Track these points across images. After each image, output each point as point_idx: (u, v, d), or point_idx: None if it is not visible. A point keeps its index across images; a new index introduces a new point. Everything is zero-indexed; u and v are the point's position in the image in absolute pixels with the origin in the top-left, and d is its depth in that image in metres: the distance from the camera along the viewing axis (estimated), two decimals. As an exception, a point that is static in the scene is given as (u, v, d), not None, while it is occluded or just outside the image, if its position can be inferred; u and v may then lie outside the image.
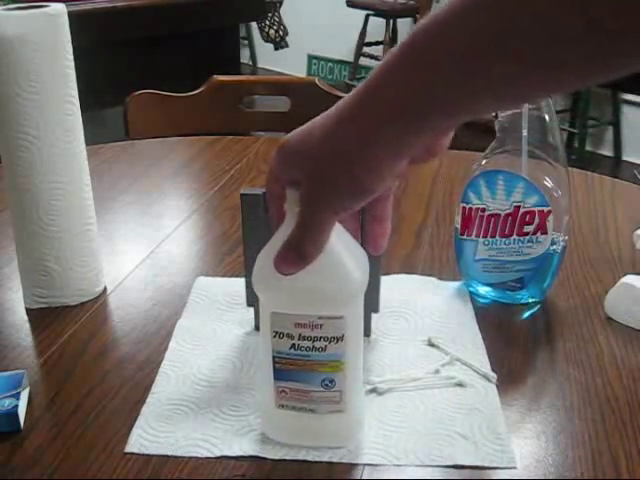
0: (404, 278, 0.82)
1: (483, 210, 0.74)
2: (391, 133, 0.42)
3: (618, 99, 3.76)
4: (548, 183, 0.72)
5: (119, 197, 1.05)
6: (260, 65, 5.53)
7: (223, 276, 0.83)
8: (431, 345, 0.70)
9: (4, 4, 0.75)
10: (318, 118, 0.46)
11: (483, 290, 0.78)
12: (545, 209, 0.72)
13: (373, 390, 0.63)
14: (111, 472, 0.54)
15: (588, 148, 3.77)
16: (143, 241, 0.93)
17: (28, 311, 0.76)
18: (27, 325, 0.74)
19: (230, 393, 0.63)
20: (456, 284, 0.80)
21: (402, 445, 0.57)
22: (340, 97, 0.45)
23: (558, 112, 3.68)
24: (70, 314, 0.75)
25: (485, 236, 0.75)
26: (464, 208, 0.76)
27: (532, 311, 0.76)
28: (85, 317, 0.75)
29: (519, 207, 0.72)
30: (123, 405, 0.62)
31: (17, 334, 0.72)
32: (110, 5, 2.10)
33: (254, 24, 4.80)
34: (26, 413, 0.60)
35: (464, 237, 0.77)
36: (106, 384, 0.64)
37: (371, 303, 0.66)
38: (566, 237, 0.75)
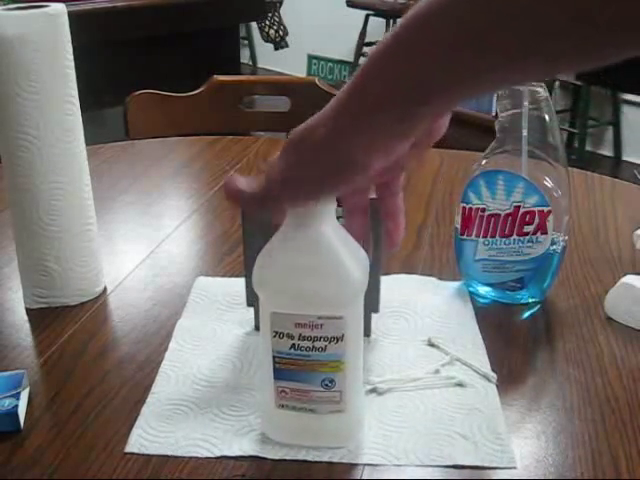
0: (404, 278, 0.82)
1: (483, 210, 0.74)
2: (381, 121, 0.42)
3: (618, 99, 3.76)
4: (548, 183, 0.72)
5: (119, 197, 1.05)
6: (260, 65, 5.53)
7: (223, 276, 0.83)
8: (431, 345, 0.70)
9: (4, 4, 0.75)
10: (317, 114, 0.46)
11: (483, 290, 0.78)
12: (545, 209, 0.72)
13: (373, 390, 0.63)
14: (111, 472, 0.54)
15: (588, 148, 3.77)
16: (143, 241, 0.93)
17: (28, 311, 0.76)
18: (27, 325, 0.74)
19: (230, 393, 0.63)
20: (456, 284, 0.80)
21: (402, 445, 0.57)
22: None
23: (558, 112, 3.68)
24: (70, 314, 0.75)
25: (485, 236, 0.75)
26: (464, 208, 0.76)
27: (532, 311, 0.76)
28: (85, 317, 0.75)
29: (519, 207, 0.72)
30: (123, 405, 0.62)
31: (17, 334, 0.72)
32: (110, 5, 2.10)
33: (254, 24, 4.80)
34: (26, 413, 0.60)
35: (464, 237, 0.77)
36: (106, 384, 0.64)
37: (371, 303, 0.66)
38: (566, 237, 0.75)
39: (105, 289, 0.80)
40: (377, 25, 4.47)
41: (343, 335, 0.52)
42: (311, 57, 5.21)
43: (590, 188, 1.08)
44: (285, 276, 0.51)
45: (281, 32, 4.37)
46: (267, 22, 4.32)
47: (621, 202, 1.03)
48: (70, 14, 0.71)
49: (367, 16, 4.53)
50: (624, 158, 3.83)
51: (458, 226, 0.77)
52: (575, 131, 3.70)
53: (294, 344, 0.52)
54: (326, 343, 0.52)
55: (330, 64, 5.17)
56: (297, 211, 0.49)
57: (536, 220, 0.72)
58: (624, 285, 0.73)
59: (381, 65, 0.42)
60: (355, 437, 0.57)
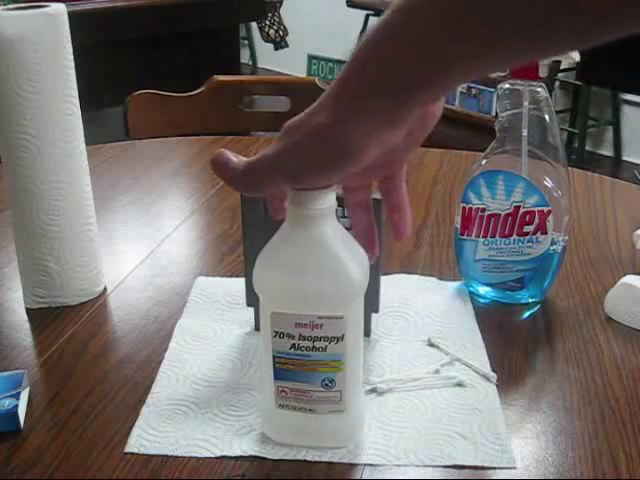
0: (404, 278, 0.82)
1: (483, 210, 0.74)
2: (374, 108, 0.42)
3: (618, 99, 3.75)
4: (548, 183, 0.72)
5: (119, 197, 1.05)
6: (260, 65, 5.53)
7: (223, 276, 0.83)
8: (431, 345, 0.70)
9: (4, 4, 0.75)
10: (313, 103, 0.46)
11: (483, 290, 0.78)
12: (545, 209, 0.72)
13: (373, 390, 0.63)
14: (111, 472, 0.54)
15: (588, 148, 3.77)
16: (143, 241, 0.93)
17: (28, 311, 0.76)
18: (27, 325, 0.74)
19: (230, 393, 0.63)
20: (456, 284, 0.80)
21: (402, 445, 0.57)
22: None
23: (558, 112, 3.68)
24: (70, 314, 0.75)
25: (485, 236, 0.75)
26: (464, 208, 0.76)
27: (532, 311, 0.76)
28: (85, 317, 0.75)
29: (519, 207, 0.72)
30: (123, 405, 0.62)
31: (17, 334, 0.72)
32: (110, 5, 2.10)
33: (254, 24, 4.79)
34: (26, 413, 0.60)
35: (464, 237, 0.77)
36: (106, 384, 0.64)
37: (371, 303, 0.66)
38: (566, 237, 0.75)
39: (105, 289, 0.80)
40: (377, 25, 4.46)
41: (343, 335, 0.52)
42: (311, 57, 5.21)
43: (590, 188, 1.08)
44: (285, 276, 0.51)
45: (281, 32, 4.37)
46: (267, 22, 4.32)
47: (621, 202, 1.04)
48: (70, 14, 0.71)
49: (367, 16, 4.53)
50: (624, 158, 3.83)
51: (458, 226, 0.77)
52: (575, 131, 3.70)
53: (294, 344, 0.52)
54: (326, 343, 0.52)
55: (330, 64, 5.17)
56: (297, 211, 0.49)
57: (536, 220, 0.72)
58: (624, 285, 0.73)
59: (373, 52, 0.42)
60: (355, 437, 0.57)
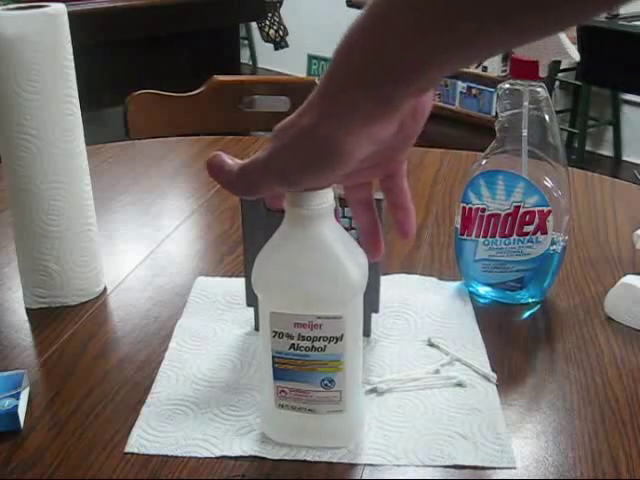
0: (404, 278, 0.82)
1: (483, 210, 0.74)
2: (360, 105, 0.42)
3: (618, 99, 3.75)
4: (548, 183, 0.72)
5: (119, 197, 1.05)
6: (260, 65, 5.53)
7: (223, 276, 0.83)
8: (431, 345, 0.70)
9: (4, 4, 0.75)
10: (303, 103, 0.46)
11: (483, 290, 0.78)
12: (545, 209, 0.72)
13: (373, 390, 0.63)
14: (111, 472, 0.54)
15: (588, 148, 3.76)
16: (143, 241, 0.93)
17: (28, 311, 0.76)
18: (27, 325, 0.74)
19: (230, 393, 0.63)
20: (456, 284, 0.80)
21: (402, 445, 0.57)
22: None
23: (558, 112, 3.68)
24: (70, 314, 0.75)
25: (485, 236, 0.75)
26: (464, 208, 0.76)
27: (532, 311, 0.76)
28: (85, 317, 0.75)
29: (519, 207, 0.72)
30: (123, 405, 0.62)
31: (17, 334, 0.72)
32: (110, 5, 2.10)
33: (254, 24, 4.79)
34: (26, 413, 0.60)
35: (464, 237, 0.77)
36: (106, 384, 0.64)
37: (371, 303, 0.66)
38: (566, 237, 0.75)
39: (105, 289, 0.80)
40: (377, 25, 4.46)
41: (342, 335, 0.52)
42: (311, 57, 5.21)
43: (590, 188, 1.08)
44: (284, 276, 0.51)
45: (281, 32, 4.37)
46: (267, 22, 4.32)
47: (621, 202, 1.03)
48: (70, 14, 0.71)
49: (367, 16, 4.52)
50: (624, 158, 3.83)
51: (458, 226, 0.77)
52: (575, 131, 3.70)
53: (293, 344, 0.52)
54: (325, 343, 0.52)
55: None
56: (296, 211, 0.49)
57: (536, 220, 0.72)
58: (624, 285, 0.73)
59: (355, 47, 0.42)
60: (355, 437, 0.57)
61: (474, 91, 4.09)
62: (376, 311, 0.70)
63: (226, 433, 0.58)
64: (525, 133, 0.71)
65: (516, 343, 0.70)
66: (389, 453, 0.56)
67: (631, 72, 2.63)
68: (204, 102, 1.49)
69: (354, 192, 0.53)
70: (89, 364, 0.67)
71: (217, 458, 0.55)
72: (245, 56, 5.26)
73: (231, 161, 0.48)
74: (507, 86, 0.72)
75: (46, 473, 0.54)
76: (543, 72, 0.70)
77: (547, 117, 0.71)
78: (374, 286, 0.65)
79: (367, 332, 0.69)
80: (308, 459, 0.55)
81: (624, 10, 2.96)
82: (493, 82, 3.79)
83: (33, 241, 0.74)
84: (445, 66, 0.41)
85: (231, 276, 0.82)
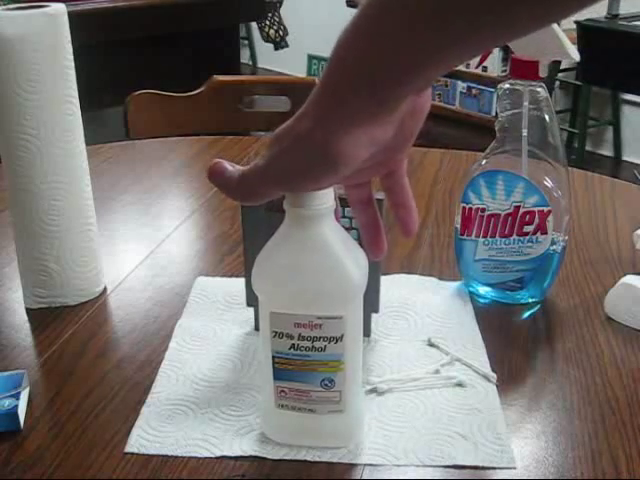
0: (404, 278, 0.82)
1: (483, 210, 0.74)
2: (357, 107, 0.42)
3: (618, 99, 3.75)
4: (548, 183, 0.72)
5: (119, 197, 1.05)
6: (260, 65, 5.53)
7: (223, 276, 0.83)
8: (431, 345, 0.70)
9: (4, 4, 0.75)
10: (301, 107, 0.46)
11: (483, 290, 0.78)
12: (545, 209, 0.72)
13: (373, 390, 0.63)
14: (111, 472, 0.54)
15: (588, 148, 3.76)
16: (143, 241, 0.93)
17: (28, 311, 0.76)
18: (27, 325, 0.74)
19: (230, 393, 0.63)
20: (456, 284, 0.80)
21: (402, 445, 0.57)
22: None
23: (558, 112, 3.68)
24: (70, 314, 0.75)
25: (485, 236, 0.75)
26: (464, 208, 0.76)
27: (532, 311, 0.76)
28: (85, 317, 0.75)
29: (519, 207, 0.72)
30: (123, 405, 0.62)
31: (17, 334, 0.72)
32: (110, 5, 2.10)
33: (254, 24, 4.79)
34: (26, 413, 0.60)
35: (464, 237, 0.77)
36: (106, 384, 0.64)
37: (371, 303, 0.66)
38: (566, 237, 0.75)
39: (105, 289, 0.80)
40: (377, 25, 4.46)
41: (342, 335, 0.52)
42: (311, 57, 5.21)
43: (590, 188, 1.08)
44: (284, 276, 0.51)
45: (281, 32, 4.37)
46: (267, 22, 4.32)
47: (621, 202, 1.04)
48: (70, 14, 0.71)
49: (367, 16, 4.52)
50: (624, 158, 3.83)
51: (458, 226, 0.77)
52: (575, 131, 3.70)
53: (293, 344, 0.52)
54: (325, 343, 0.52)
55: (330, 64, 5.17)
56: (296, 212, 0.49)
57: (536, 220, 0.72)
58: (624, 285, 0.73)
59: (348, 52, 0.41)
60: (355, 437, 0.57)
61: (474, 91, 4.09)
62: (376, 311, 0.70)
63: (226, 433, 0.58)
64: (525, 133, 0.71)
65: (516, 343, 0.70)
66: (389, 453, 0.56)
67: (631, 72, 2.63)
68: (204, 102, 1.49)
69: (355, 191, 0.53)
70: (89, 364, 0.67)
71: (217, 458, 0.55)
72: (245, 56, 5.26)
73: (232, 168, 0.48)
74: (507, 86, 0.72)
75: (46, 473, 0.54)
76: (543, 72, 0.70)
77: (547, 117, 0.71)
78: (374, 286, 0.65)
79: (367, 332, 0.69)
80: (308, 459, 0.55)
81: (624, 10, 2.96)
82: (493, 82, 3.80)
83: (33, 241, 0.74)
84: (440, 64, 0.41)
85: (231, 276, 0.82)
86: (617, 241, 0.91)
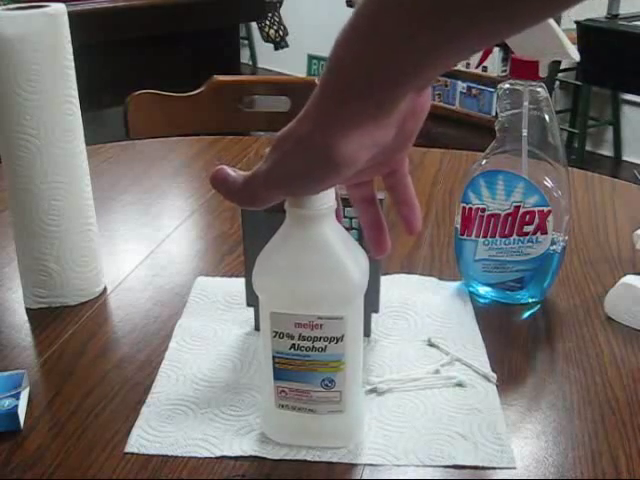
0: (404, 278, 0.82)
1: (483, 210, 0.74)
2: (358, 110, 0.41)
3: (618, 99, 3.76)
4: (548, 183, 0.72)
5: (119, 197, 1.05)
6: (260, 65, 5.53)
7: (223, 276, 0.83)
8: (431, 345, 0.70)
9: (4, 4, 0.75)
10: (301, 111, 0.46)
11: (483, 290, 0.78)
12: (545, 209, 0.72)
13: (373, 390, 0.63)
14: (111, 472, 0.54)
15: (588, 148, 3.77)
16: (143, 241, 0.93)
17: (28, 311, 0.76)
18: (27, 325, 0.74)
19: (230, 393, 0.63)
20: (456, 284, 0.80)
21: (402, 445, 0.57)
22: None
23: (558, 112, 3.68)
24: (70, 314, 0.75)
25: (485, 236, 0.75)
26: (464, 208, 0.76)
27: (532, 311, 0.76)
28: (85, 317, 0.75)
29: (519, 207, 0.72)
30: (123, 405, 0.62)
31: (17, 334, 0.72)
32: (110, 5, 2.10)
33: (254, 24, 4.79)
34: (26, 413, 0.60)
35: (464, 237, 0.77)
36: (106, 384, 0.64)
37: (371, 303, 0.66)
38: (566, 237, 0.75)
39: (105, 289, 0.80)
40: (377, 25, 4.45)
41: (343, 335, 0.52)
42: (311, 57, 5.21)
43: (590, 188, 1.08)
44: (285, 276, 0.51)
45: (281, 32, 4.37)
46: (267, 22, 4.32)
47: (621, 202, 1.04)
48: (70, 14, 0.71)
49: (367, 16, 4.52)
50: (624, 158, 3.83)
51: (458, 226, 0.77)
52: (575, 131, 3.70)
53: (294, 344, 0.52)
54: (326, 343, 0.52)
55: (330, 64, 5.16)
56: (297, 212, 0.49)
57: (536, 220, 0.72)
58: (624, 285, 0.73)
59: (346, 54, 0.41)
60: (355, 437, 0.57)
61: (474, 91, 4.09)
62: (376, 311, 0.70)
63: (226, 433, 0.58)
64: (525, 133, 0.71)
65: (516, 343, 0.70)
66: (389, 453, 0.56)
67: (631, 72, 2.63)
68: (204, 102, 1.49)
69: (357, 190, 0.53)
70: (89, 364, 0.67)
71: (217, 458, 0.55)
72: (245, 56, 5.26)
73: (234, 173, 0.48)
74: (507, 86, 0.72)
75: (46, 473, 0.54)
76: (543, 72, 0.70)
77: (547, 117, 0.71)
78: (374, 286, 0.65)
79: (367, 332, 0.69)
80: (308, 459, 0.55)
81: (624, 10, 2.96)
82: (493, 82, 3.80)
83: (33, 241, 0.74)
84: (438, 63, 0.41)
85: (231, 276, 0.82)
86: (617, 241, 0.91)
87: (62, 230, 0.74)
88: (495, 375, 0.64)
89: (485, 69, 3.93)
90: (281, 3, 4.33)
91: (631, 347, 0.69)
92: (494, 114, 3.75)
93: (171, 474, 0.54)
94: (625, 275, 0.75)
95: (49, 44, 0.69)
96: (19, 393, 0.60)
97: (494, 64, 3.91)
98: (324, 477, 0.54)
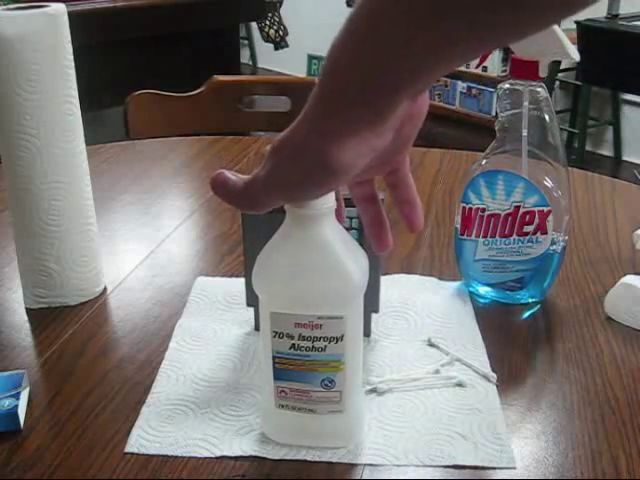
0: (404, 278, 0.82)
1: (483, 210, 0.74)
2: (354, 117, 0.41)
3: (618, 99, 3.76)
4: (548, 183, 0.72)
5: (119, 197, 1.05)
6: (260, 65, 5.53)
7: (223, 276, 0.83)
8: (431, 345, 0.70)
9: (4, 4, 0.75)
10: (297, 117, 0.46)
11: (483, 290, 0.78)
12: (545, 209, 0.72)
13: (373, 390, 0.63)
14: (111, 472, 0.54)
15: (588, 148, 3.77)
16: (143, 241, 0.93)
17: (28, 311, 0.76)
18: (27, 325, 0.74)
19: (230, 393, 0.63)
20: (456, 284, 0.80)
21: (402, 445, 0.57)
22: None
23: (558, 112, 3.68)
24: (70, 314, 0.75)
25: (485, 236, 0.75)
26: (464, 208, 0.76)
27: (532, 311, 0.76)
28: (85, 317, 0.75)
29: (519, 207, 0.72)
30: (123, 405, 0.62)
31: (17, 334, 0.72)
32: (110, 5, 2.10)
33: (254, 24, 4.79)
34: (26, 413, 0.60)
35: (464, 237, 0.77)
36: (106, 384, 0.64)
37: (371, 303, 0.66)
38: (566, 237, 0.75)
39: (105, 289, 0.80)
40: (377, 25, 4.45)
41: (343, 335, 0.52)
42: (311, 57, 5.21)
43: (590, 188, 1.08)
44: (284, 276, 0.51)
45: (281, 32, 4.37)
46: (267, 22, 4.32)
47: (621, 202, 1.04)
48: (70, 14, 0.71)
49: (367, 16, 4.51)
50: (624, 158, 3.83)
51: (458, 226, 0.77)
52: (575, 131, 3.70)
53: (294, 344, 0.52)
54: (326, 343, 0.52)
55: (330, 64, 5.16)
56: (297, 212, 0.49)
57: (536, 220, 0.72)
58: (624, 285, 0.73)
59: (342, 58, 0.41)
60: (355, 437, 0.57)
61: (474, 91, 4.09)
62: (376, 311, 0.70)
63: (226, 433, 0.58)
64: (525, 133, 0.71)
65: (516, 343, 0.70)
66: (389, 453, 0.56)
67: (631, 72, 2.63)
68: (204, 102, 1.49)
69: (358, 189, 0.53)
70: (89, 364, 0.67)
71: (217, 458, 0.55)
72: (245, 56, 5.26)
73: (234, 177, 0.48)
74: (507, 86, 0.72)
75: (46, 473, 0.54)
76: (543, 72, 0.70)
77: (547, 117, 0.71)
78: (374, 286, 0.65)
79: (367, 332, 0.69)
80: (308, 459, 0.55)
81: (624, 10, 2.96)
82: (493, 82, 3.80)
83: (33, 241, 0.74)
84: (435, 69, 0.40)
85: (231, 276, 0.82)
86: (617, 241, 0.91)
87: (62, 230, 0.74)
88: (495, 375, 0.64)
89: (485, 69, 3.93)
90: (281, 3, 4.33)
91: (631, 347, 0.69)
92: (494, 114, 3.75)
93: (171, 474, 0.54)
94: (625, 275, 0.75)
95: (49, 44, 0.69)
96: (19, 393, 0.60)
97: (494, 64, 3.91)
98: (324, 477, 0.54)
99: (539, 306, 0.77)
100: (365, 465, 0.55)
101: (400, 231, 0.53)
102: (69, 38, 0.71)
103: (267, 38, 4.40)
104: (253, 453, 0.56)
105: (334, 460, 0.55)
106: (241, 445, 0.56)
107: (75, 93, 0.73)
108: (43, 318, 0.74)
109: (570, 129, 3.76)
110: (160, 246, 0.91)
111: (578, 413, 0.60)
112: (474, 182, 0.74)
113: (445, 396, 0.62)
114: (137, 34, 2.12)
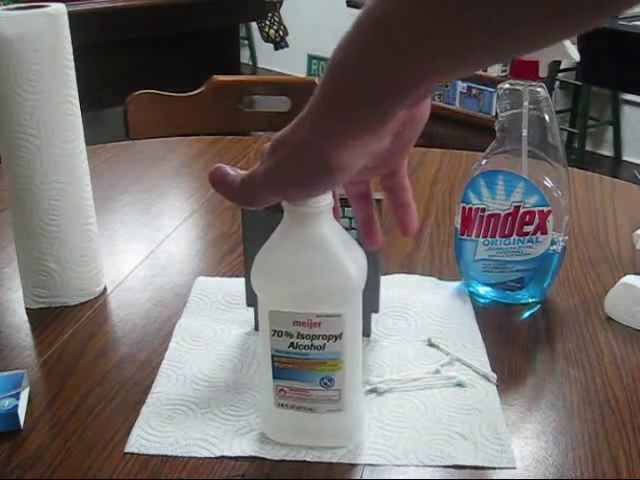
0: (404, 278, 0.82)
1: (483, 210, 0.74)
2: (357, 120, 0.41)
3: (618, 99, 3.75)
4: (548, 183, 0.72)
5: (119, 197, 1.05)
6: (260, 65, 5.53)
7: (223, 276, 0.83)
8: (431, 345, 0.70)
9: (4, 4, 0.75)
10: (297, 116, 0.45)
11: (483, 290, 0.78)
12: (545, 209, 0.72)
13: (373, 390, 0.63)
14: (111, 472, 0.54)
15: (588, 148, 3.76)
16: (143, 241, 0.93)
17: (28, 311, 0.76)
18: (27, 325, 0.74)
19: (230, 393, 0.63)
20: (456, 284, 0.80)
21: (402, 445, 0.57)
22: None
23: (558, 112, 3.68)
24: (70, 314, 0.75)
25: (485, 236, 0.75)
26: (464, 208, 0.76)
27: (532, 311, 0.76)
28: (85, 317, 0.75)
29: (519, 207, 0.72)
30: (123, 405, 0.62)
31: (17, 334, 0.72)
32: (110, 5, 2.10)
33: (254, 24, 4.79)
34: (26, 413, 0.60)
35: (464, 237, 0.77)
36: (106, 384, 0.64)
37: (371, 303, 0.66)
38: (566, 237, 0.75)
39: (105, 289, 0.80)
40: (377, 25, 4.45)
41: (341, 333, 0.52)
42: (311, 57, 5.21)
43: (590, 188, 1.08)
44: (283, 274, 0.51)
45: (281, 32, 4.37)
46: (267, 22, 4.32)
47: (621, 202, 1.03)
48: (70, 14, 0.71)
49: (367, 16, 4.51)
50: (624, 158, 3.83)
51: (458, 226, 0.77)
52: (575, 131, 3.70)
53: (293, 342, 0.52)
54: (325, 341, 0.52)
55: (330, 64, 5.16)
56: (295, 210, 0.49)
57: (536, 220, 0.72)
58: (624, 285, 0.73)
59: (346, 60, 0.41)
60: (355, 437, 0.57)
61: (474, 91, 4.09)
62: (376, 311, 0.70)
63: (226, 433, 0.58)
64: (525, 133, 0.71)
65: (516, 343, 0.70)
66: (389, 453, 0.56)
67: (631, 72, 2.63)
68: (204, 102, 1.49)
69: (354, 187, 0.53)
70: (89, 364, 0.67)
71: (217, 458, 0.55)
72: (245, 56, 5.26)
73: (233, 172, 0.48)
74: (507, 86, 0.72)
75: (46, 473, 0.54)
76: (543, 72, 0.70)
77: (547, 117, 0.71)
78: (374, 286, 0.65)
79: (367, 332, 0.69)
80: (308, 459, 0.55)
81: (624, 10, 2.95)
82: (493, 82, 3.80)
83: (33, 241, 0.74)
84: (444, 72, 0.40)
85: (231, 276, 0.82)
86: (617, 241, 0.91)
87: (62, 230, 0.74)
88: (495, 375, 0.64)
89: (485, 69, 3.93)
90: (281, 3, 4.33)
91: (631, 347, 0.69)
92: (494, 114, 3.75)
93: (171, 474, 0.54)
94: (625, 275, 0.75)
95: (49, 44, 0.69)
96: (19, 393, 0.60)
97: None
98: (324, 477, 0.54)
99: (539, 306, 0.77)
100: (365, 465, 0.55)
101: (399, 232, 0.53)
102: (69, 38, 0.71)
103: (267, 38, 4.40)
104: (253, 453, 0.56)
105: (334, 460, 0.55)
106: (241, 445, 0.56)
107: (75, 93, 0.73)
108: (43, 318, 0.74)
109: (570, 129, 3.76)
110: (160, 246, 0.91)
111: (578, 413, 0.60)
112: (474, 182, 0.74)
113: (445, 396, 0.62)
114: (137, 34, 2.12)
